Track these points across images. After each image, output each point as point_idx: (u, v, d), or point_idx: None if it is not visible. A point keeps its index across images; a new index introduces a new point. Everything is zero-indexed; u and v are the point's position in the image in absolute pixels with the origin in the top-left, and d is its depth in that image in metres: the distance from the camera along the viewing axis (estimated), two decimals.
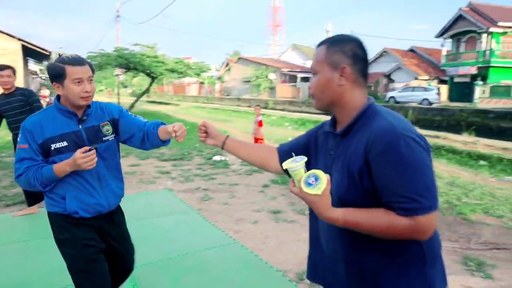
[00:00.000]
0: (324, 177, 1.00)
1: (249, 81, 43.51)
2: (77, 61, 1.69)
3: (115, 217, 1.99)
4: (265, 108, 36.00)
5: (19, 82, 17.37)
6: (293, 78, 41.51)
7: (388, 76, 31.05)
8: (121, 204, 2.07)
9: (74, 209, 1.77)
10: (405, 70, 29.76)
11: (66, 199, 1.76)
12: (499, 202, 5.06)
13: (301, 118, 17.68)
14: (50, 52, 19.53)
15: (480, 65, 26.26)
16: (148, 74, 21.35)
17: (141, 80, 52.23)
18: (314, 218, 1.30)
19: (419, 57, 32.58)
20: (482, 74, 26.22)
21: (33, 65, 31.43)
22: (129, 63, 19.43)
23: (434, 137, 10.86)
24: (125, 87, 61.76)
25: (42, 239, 3.57)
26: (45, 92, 23.79)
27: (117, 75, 22.88)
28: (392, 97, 26.04)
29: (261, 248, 3.52)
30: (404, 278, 1.07)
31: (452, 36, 28.73)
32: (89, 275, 1.80)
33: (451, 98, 27.92)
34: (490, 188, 5.75)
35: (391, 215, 1.00)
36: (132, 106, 21.96)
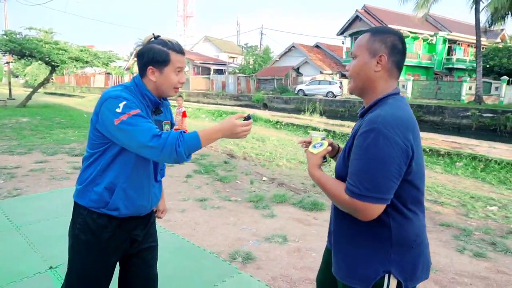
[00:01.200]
0: (325, 145, 1.37)
1: None
2: (180, 49, 1.58)
3: (152, 218, 1.80)
4: (183, 99, 35.31)
5: None
6: (206, 70, 41.33)
7: (297, 70, 32.89)
8: (33, 203, 1.95)
9: (116, 205, 1.53)
10: (311, 65, 31.86)
11: (114, 193, 1.53)
12: None
13: (217, 110, 17.86)
14: None
15: None
16: (47, 63, 19.25)
17: (36, 69, 46.71)
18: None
19: (324, 52, 35.14)
20: None
21: None
22: (23, 49, 17.28)
23: (339, 126, 12.01)
24: (16, 76, 54.64)
25: None
26: None
27: (7, 62, 20.18)
28: (301, 89, 27.74)
29: (192, 234, 3.62)
30: (368, 251, 1.23)
31: (351, 35, 31.61)
32: (93, 285, 1.61)
33: None
34: None
35: (343, 190, 1.19)
36: (29, 97, 19.60)
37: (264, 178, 5.85)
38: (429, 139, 8.85)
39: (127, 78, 49.37)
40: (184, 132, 1.42)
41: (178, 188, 5.20)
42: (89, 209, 1.55)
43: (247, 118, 1.47)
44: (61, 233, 3.46)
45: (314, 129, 11.14)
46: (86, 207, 1.55)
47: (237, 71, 38.24)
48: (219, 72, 41.28)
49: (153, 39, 1.58)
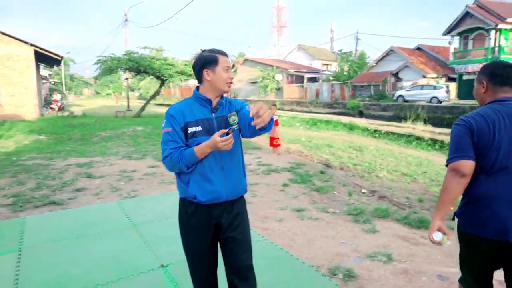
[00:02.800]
0: (444, 237, 1.90)
1: (255, 82, 43.61)
2: (225, 52, 1.99)
3: (235, 209, 2.01)
4: (277, 108, 36.06)
5: (32, 87, 17.69)
6: (299, 79, 41.54)
7: (395, 75, 30.93)
8: (148, 204, 2.13)
9: (193, 193, 1.91)
10: (412, 69, 29.63)
11: (190, 184, 1.91)
12: None
13: (312, 118, 17.75)
14: (61, 57, 19.78)
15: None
16: (158, 77, 21.55)
17: (148, 83, 52.61)
18: None
19: (427, 55, 32.40)
20: None
21: (42, 70, 31.85)
22: (139, 66, 19.64)
23: (447, 135, 10.85)
24: (132, 90, 62.23)
25: (75, 238, 3.70)
26: (57, 96, 24.06)
27: (126, 78, 23.10)
28: (400, 95, 25.97)
29: (290, 245, 3.59)
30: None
31: (459, 34, 28.55)
32: (194, 263, 2.02)
33: (460, 95, 27.73)
34: None
35: None
36: (142, 108, 22.16)
37: (363, 190, 5.56)
38: None
39: None
40: (185, 150, 1.86)
41: (275, 196, 5.24)
42: (183, 198, 2.00)
43: (227, 133, 1.83)
44: (171, 234, 3.75)
45: (418, 138, 10.27)
46: (182, 198, 2.01)
47: (331, 78, 37.60)
48: (313, 80, 41.09)
49: (201, 51, 1.99)
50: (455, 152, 1.79)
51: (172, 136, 1.89)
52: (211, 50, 1.97)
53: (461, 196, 1.88)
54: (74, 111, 23.00)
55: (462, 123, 1.83)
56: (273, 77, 41.11)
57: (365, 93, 31.48)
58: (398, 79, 30.69)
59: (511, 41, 26.36)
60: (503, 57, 25.98)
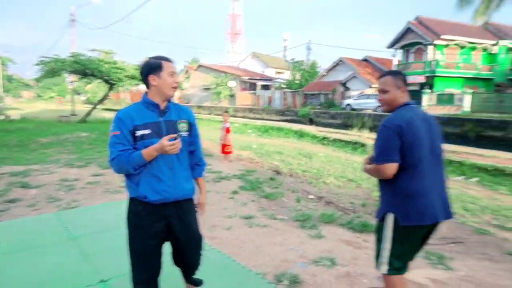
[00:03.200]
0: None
1: (209, 89, 43.35)
2: (168, 58, 2.11)
3: (183, 209, 2.16)
4: (229, 115, 36.03)
5: None
6: (252, 86, 41.96)
7: (344, 84, 32.31)
8: (90, 215, 2.08)
9: (144, 193, 2.01)
10: (359, 79, 31.14)
11: (140, 184, 2.02)
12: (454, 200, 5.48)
13: (264, 125, 17.95)
14: None
15: (427, 75, 28.12)
16: (106, 81, 20.65)
17: (96, 87, 50.23)
18: None
19: (373, 66, 34.24)
20: (429, 83, 28.09)
21: None
22: (86, 69, 18.70)
23: None
24: (78, 94, 59.09)
25: (5, 254, 3.41)
26: None
27: (71, 81, 21.91)
28: (348, 104, 27.14)
29: (238, 253, 3.58)
30: (383, 197, 2.23)
31: (402, 47, 30.55)
32: (141, 260, 2.10)
33: None
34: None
35: (375, 165, 2.13)
36: (88, 113, 21.08)
37: (311, 196, 5.70)
38: (492, 157, 8.18)
39: (177, 94, 51.50)
40: (133, 152, 1.96)
41: (224, 204, 5.21)
42: (133, 198, 2.09)
43: (175, 138, 1.95)
44: (113, 246, 3.59)
45: (363, 145, 10.79)
46: (131, 198, 2.10)
47: (284, 86, 38.39)
48: (266, 87, 41.70)
49: (148, 59, 2.11)
50: (383, 155, 2.04)
51: (120, 139, 1.98)
52: (156, 57, 2.08)
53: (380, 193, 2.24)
54: (11, 115, 21.33)
55: (391, 126, 2.04)
56: (227, 84, 41.13)
57: (315, 101, 32.51)
58: (347, 88, 32.07)
59: (446, 56, 28.65)
60: (439, 70, 28.18)
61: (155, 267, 2.15)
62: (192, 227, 2.22)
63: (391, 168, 2.01)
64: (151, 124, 2.03)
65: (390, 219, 2.13)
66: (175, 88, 2.08)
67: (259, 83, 41.96)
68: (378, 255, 2.24)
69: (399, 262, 2.18)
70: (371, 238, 4.04)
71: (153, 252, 2.10)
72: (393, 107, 2.20)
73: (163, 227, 2.08)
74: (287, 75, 42.92)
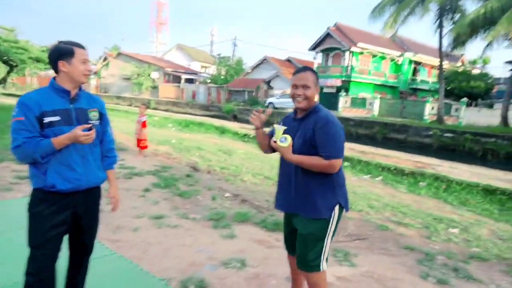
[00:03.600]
0: (289, 138, 2.08)
1: (129, 79, 41.00)
2: (81, 45, 2.03)
3: (92, 197, 2.16)
4: (147, 108, 34.45)
5: None
6: (177, 79, 40.74)
7: (268, 83, 33.06)
8: None
9: (52, 183, 1.93)
10: (282, 78, 32.14)
11: (47, 173, 1.93)
12: (359, 197, 5.83)
13: (185, 120, 17.42)
14: None
15: (344, 79, 30.13)
16: (5, 62, 18.16)
17: None
18: (282, 165, 2.29)
19: (295, 67, 35.60)
20: (345, 86, 30.13)
21: None
22: None
23: None
24: None
25: None
26: None
27: None
28: (271, 102, 27.82)
29: (142, 257, 3.30)
30: (326, 193, 2.13)
31: (322, 51, 32.25)
32: (40, 251, 1.97)
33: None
34: (351, 186, 6.60)
35: (320, 159, 2.05)
36: None
37: (227, 194, 5.59)
38: (394, 158, 8.95)
39: (94, 82, 47.80)
40: (41, 140, 1.87)
41: (134, 203, 4.84)
42: (37, 188, 1.98)
43: (89, 129, 1.92)
44: (3, 253, 3.04)
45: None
46: (36, 188, 1.99)
47: (208, 81, 37.95)
48: (190, 81, 40.79)
49: (58, 42, 2.00)
50: (341, 152, 2.07)
51: (25, 125, 1.86)
52: (68, 42, 2.00)
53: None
54: None
55: (339, 123, 2.12)
56: (149, 75, 39.31)
57: (239, 98, 32.72)
58: (270, 87, 32.86)
59: (360, 62, 30.98)
60: (354, 75, 30.31)
61: (55, 257, 2.06)
62: (95, 215, 2.24)
63: (341, 163, 2.09)
64: (61, 111, 1.96)
65: (337, 210, 2.17)
66: (86, 75, 2.04)
67: (184, 76, 40.90)
68: (317, 256, 2.15)
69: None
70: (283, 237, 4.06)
71: (53, 243, 2.01)
72: (310, 105, 2.16)
73: (68, 217, 2.03)
74: (213, 69, 42.52)
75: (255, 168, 7.51)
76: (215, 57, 42.03)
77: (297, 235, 2.22)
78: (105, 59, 47.88)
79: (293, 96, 2.18)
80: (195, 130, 14.85)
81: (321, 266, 2.18)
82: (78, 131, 1.87)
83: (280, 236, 4.08)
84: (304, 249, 2.17)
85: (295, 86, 2.17)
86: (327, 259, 2.23)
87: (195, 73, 43.26)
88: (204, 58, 51.57)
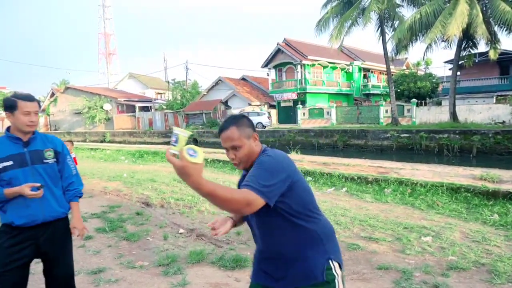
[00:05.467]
0: (201, 151, 1.33)
1: (80, 113, 39.19)
2: (28, 97, 2.24)
3: (53, 229, 2.31)
4: (103, 141, 32.85)
5: None
6: (131, 108, 39.50)
7: (225, 103, 32.76)
8: None
9: (10, 219, 2.21)
10: (239, 97, 32.01)
11: (7, 211, 2.22)
12: (325, 214, 5.44)
13: (138, 150, 16.49)
14: None
15: (299, 92, 30.50)
16: None
17: None
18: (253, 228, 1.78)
19: (250, 84, 35.69)
20: (302, 99, 30.49)
21: None
22: None
23: None
24: None
25: None
26: None
27: None
28: None
29: None
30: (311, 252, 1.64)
31: (275, 67, 32.60)
32: (2, 278, 2.14)
33: (280, 120, 31.38)
34: (317, 201, 6.22)
35: (235, 190, 1.47)
36: None
37: (181, 231, 5.00)
38: (356, 166, 8.75)
39: (42, 120, 45.27)
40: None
41: None
42: (2, 224, 2.28)
43: (38, 189, 2.16)
44: None
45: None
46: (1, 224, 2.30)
47: (164, 107, 37.08)
48: (145, 109, 39.67)
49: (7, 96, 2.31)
50: (266, 182, 1.66)
51: None
52: (14, 95, 2.23)
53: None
54: None
55: (286, 160, 1.70)
56: (101, 107, 37.80)
57: (197, 121, 32.15)
58: (228, 106, 32.59)
59: (312, 74, 31.59)
60: (308, 87, 30.78)
61: (18, 285, 2.22)
62: (63, 247, 2.38)
63: (260, 205, 1.63)
64: (14, 156, 2.20)
65: (336, 267, 1.67)
66: (30, 126, 2.22)
67: (138, 104, 39.71)
68: None
69: None
70: (244, 275, 3.55)
71: (16, 272, 2.18)
72: (251, 161, 1.70)
73: (30, 247, 2.23)
74: (168, 95, 41.70)
75: None
76: (169, 83, 41.29)
77: None
78: (52, 94, 45.63)
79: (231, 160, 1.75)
80: (150, 160, 14.04)
81: None
82: (26, 191, 2.12)
83: (240, 275, 3.57)
84: None
85: (226, 149, 1.73)
86: None
87: (149, 100, 42.19)
88: (158, 84, 50.62)
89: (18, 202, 2.19)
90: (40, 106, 2.36)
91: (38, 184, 2.17)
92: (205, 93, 35.94)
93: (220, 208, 1.44)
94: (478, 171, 7.31)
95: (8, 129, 2.28)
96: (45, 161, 2.29)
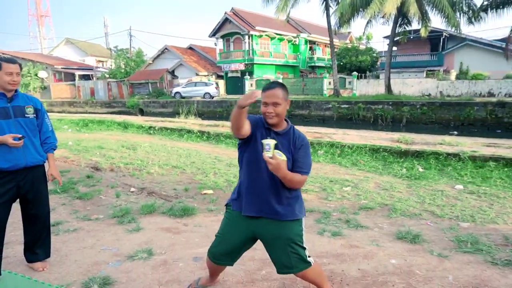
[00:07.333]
0: (283, 154, 2.07)
1: None
2: (10, 60, 2.66)
3: (33, 174, 2.78)
4: None
5: None
6: (70, 76, 37.23)
7: (172, 73, 32.14)
8: None
9: None
10: (186, 67, 31.54)
11: None
12: None
13: (82, 119, 16.05)
14: None
15: (247, 62, 30.76)
16: None
17: None
18: (253, 169, 2.20)
19: (198, 54, 35.17)
20: (249, 70, 30.81)
21: None
22: None
23: (214, 126, 12.05)
24: None
25: None
26: None
27: None
28: (177, 92, 27.20)
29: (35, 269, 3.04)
30: (299, 198, 2.26)
31: (222, 36, 32.34)
32: None
33: (228, 91, 31.60)
34: None
35: (299, 175, 2.10)
36: None
37: (132, 189, 5.40)
38: None
39: None
40: None
41: None
42: None
43: (20, 139, 2.61)
44: None
45: (189, 131, 10.97)
46: None
47: (107, 76, 35.43)
48: (86, 77, 37.61)
49: None
50: (310, 169, 2.20)
51: None
52: (1, 58, 2.64)
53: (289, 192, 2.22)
54: None
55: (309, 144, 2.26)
56: (36, 74, 35.16)
57: (143, 91, 31.33)
58: (174, 76, 32.02)
59: (260, 45, 31.86)
60: (256, 58, 31.07)
61: (1, 220, 2.69)
62: (40, 189, 2.85)
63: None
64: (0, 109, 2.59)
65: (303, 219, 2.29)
66: (12, 84, 2.61)
67: (78, 73, 37.50)
68: (304, 252, 2.22)
69: None
70: (191, 221, 4.11)
71: (0, 208, 2.63)
72: (281, 120, 2.16)
73: (12, 188, 2.67)
74: (110, 63, 39.71)
75: (161, 159, 7.35)
76: (111, 50, 39.26)
77: (271, 241, 2.21)
78: None
79: (264, 113, 2.14)
80: (95, 129, 13.84)
81: (310, 261, 2.24)
82: (9, 140, 2.55)
83: (188, 221, 4.12)
84: (291, 251, 2.18)
85: (265, 104, 2.11)
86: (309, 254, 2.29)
87: (90, 68, 39.96)
88: (99, 51, 47.82)
89: (2, 149, 2.57)
90: (21, 68, 2.68)
91: (20, 135, 2.58)
92: (151, 62, 34.86)
93: (292, 186, 2.11)
94: (396, 135, 8.43)
95: None
96: (26, 115, 2.70)
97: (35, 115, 2.78)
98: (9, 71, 2.58)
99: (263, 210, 2.19)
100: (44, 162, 2.88)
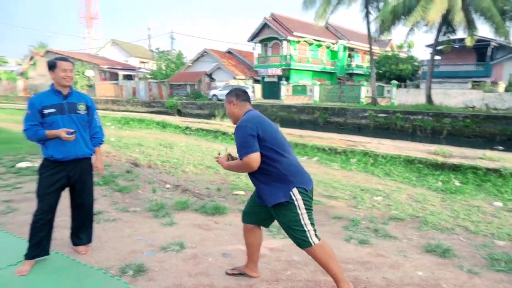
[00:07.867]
0: (223, 152, 2.69)
1: None
2: (64, 58, 2.98)
3: (81, 165, 3.09)
4: None
5: None
6: (114, 76, 39.03)
7: (210, 75, 32.89)
8: None
9: (51, 154, 2.92)
10: (224, 70, 32.16)
11: (48, 148, 2.93)
12: None
13: (124, 117, 16.85)
14: None
15: (284, 68, 30.88)
16: None
17: None
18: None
19: (236, 58, 35.74)
20: (286, 75, 30.92)
21: None
22: None
23: None
24: None
25: None
26: None
27: None
28: (214, 95, 27.80)
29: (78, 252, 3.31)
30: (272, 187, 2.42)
31: (261, 41, 32.70)
32: (43, 199, 2.93)
33: (264, 95, 31.84)
34: None
35: (238, 161, 2.45)
36: None
37: (167, 186, 5.66)
38: (329, 139, 9.53)
39: (21, 84, 44.25)
40: (40, 130, 2.88)
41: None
42: (44, 158, 2.99)
43: (72, 133, 2.91)
44: None
45: (224, 133, 11.24)
46: (44, 158, 2.99)
47: (149, 76, 36.83)
48: (129, 77, 39.28)
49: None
50: (246, 148, 2.35)
51: (30, 117, 2.87)
52: (56, 58, 2.99)
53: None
54: None
55: (248, 125, 2.38)
56: (83, 73, 37.20)
57: (182, 92, 32.24)
58: (212, 79, 32.73)
59: (298, 51, 31.89)
60: (293, 64, 31.10)
61: (53, 205, 2.99)
62: (86, 181, 3.18)
63: (253, 157, 2.33)
64: (56, 105, 2.90)
65: (296, 191, 2.37)
66: (66, 79, 2.91)
67: (122, 72, 39.25)
68: (303, 234, 2.38)
69: (315, 226, 2.45)
70: (222, 219, 4.27)
71: (53, 195, 2.95)
72: (236, 118, 2.58)
73: (64, 177, 2.98)
74: (151, 65, 41.25)
75: (196, 159, 7.61)
76: (153, 52, 40.77)
77: (279, 223, 2.54)
78: (31, 58, 44.38)
79: None
80: (135, 127, 14.49)
81: (311, 242, 2.39)
82: (63, 134, 2.84)
83: (219, 219, 4.28)
84: (291, 233, 2.45)
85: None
86: (316, 234, 2.42)
87: (133, 69, 41.69)
88: (142, 53, 49.78)
89: (57, 142, 2.90)
90: (74, 66, 2.97)
91: (72, 130, 2.88)
92: (190, 64, 35.85)
93: (241, 172, 2.55)
94: (434, 147, 8.20)
95: (52, 85, 2.95)
96: (78, 111, 3.00)
97: (86, 112, 3.07)
98: (64, 68, 2.87)
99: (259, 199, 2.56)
100: (92, 155, 3.17)
